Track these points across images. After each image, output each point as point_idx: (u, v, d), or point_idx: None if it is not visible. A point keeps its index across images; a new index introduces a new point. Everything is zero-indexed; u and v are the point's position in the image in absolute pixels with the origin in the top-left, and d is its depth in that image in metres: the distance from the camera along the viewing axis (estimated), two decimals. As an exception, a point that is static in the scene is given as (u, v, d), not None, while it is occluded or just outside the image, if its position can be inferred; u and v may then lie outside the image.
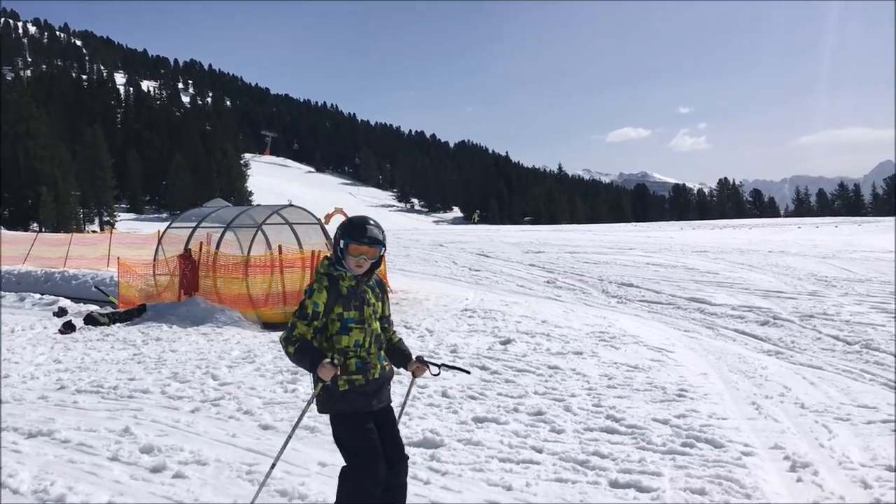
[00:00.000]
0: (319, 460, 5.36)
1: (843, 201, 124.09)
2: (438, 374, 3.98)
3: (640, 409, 6.52)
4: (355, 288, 3.77)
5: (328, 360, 3.56)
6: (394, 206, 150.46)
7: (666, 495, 4.66)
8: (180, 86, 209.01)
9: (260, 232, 15.10)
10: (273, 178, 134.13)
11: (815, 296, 12.81)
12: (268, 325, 13.00)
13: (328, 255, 3.92)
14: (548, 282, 17.05)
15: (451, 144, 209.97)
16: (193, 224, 15.19)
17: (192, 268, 13.52)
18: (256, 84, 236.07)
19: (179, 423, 6.40)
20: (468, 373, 5.14)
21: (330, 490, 4.81)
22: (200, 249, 13.68)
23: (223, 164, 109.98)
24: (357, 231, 3.70)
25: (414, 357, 3.99)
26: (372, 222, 3.73)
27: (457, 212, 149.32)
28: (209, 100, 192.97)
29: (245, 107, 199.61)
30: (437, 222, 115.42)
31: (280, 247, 14.76)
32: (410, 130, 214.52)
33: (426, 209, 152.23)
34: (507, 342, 9.70)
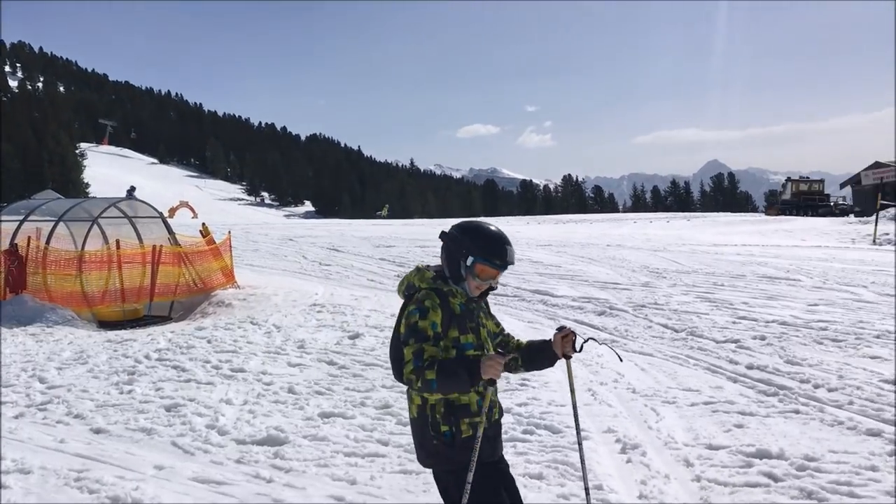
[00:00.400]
0: (156, 463, 5.18)
1: (674, 198, 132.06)
2: (585, 344, 3.40)
3: (484, 399, 6.69)
4: (467, 306, 3.12)
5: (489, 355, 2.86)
6: (243, 199, 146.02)
7: (506, 481, 4.82)
8: (7, 69, 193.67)
9: (96, 226, 14.27)
10: (112, 170, 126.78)
11: (648, 287, 13.59)
12: (105, 324, 12.38)
13: (424, 265, 3.22)
14: (398, 276, 17.13)
15: (303, 137, 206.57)
16: (21, 217, 14.19)
17: (18, 264, 12.60)
18: (93, 69, 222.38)
19: (0, 430, 5.98)
20: (621, 360, 4.21)
21: (166, 493, 4.65)
22: (28, 244, 12.78)
23: (56, 153, 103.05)
24: (495, 252, 3.03)
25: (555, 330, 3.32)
26: (509, 241, 3.09)
27: (308, 206, 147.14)
28: (40, 85, 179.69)
29: (81, 93, 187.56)
30: (288, 216, 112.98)
31: (118, 241, 14.04)
32: (261, 122, 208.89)
33: (277, 203, 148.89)
34: (355, 336, 9.69)
